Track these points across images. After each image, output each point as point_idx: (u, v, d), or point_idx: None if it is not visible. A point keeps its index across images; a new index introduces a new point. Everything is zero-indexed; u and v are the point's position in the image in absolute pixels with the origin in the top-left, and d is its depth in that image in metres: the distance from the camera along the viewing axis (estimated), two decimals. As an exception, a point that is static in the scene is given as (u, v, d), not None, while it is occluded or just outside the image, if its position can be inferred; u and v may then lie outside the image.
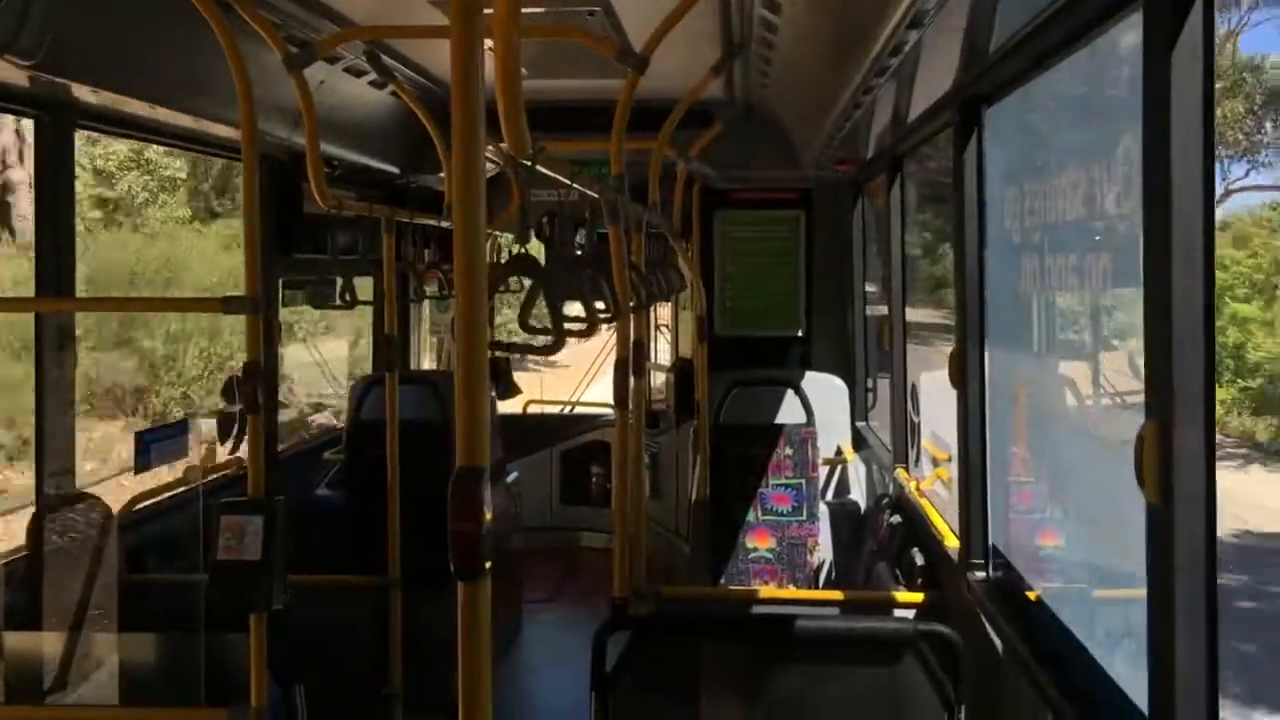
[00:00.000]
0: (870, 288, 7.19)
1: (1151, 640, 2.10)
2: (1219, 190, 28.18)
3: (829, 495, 6.89)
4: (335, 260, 5.05)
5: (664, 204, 5.40)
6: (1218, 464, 2.00)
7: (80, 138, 4.24)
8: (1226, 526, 16.45)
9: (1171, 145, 1.92)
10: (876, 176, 6.37)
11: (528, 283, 2.94)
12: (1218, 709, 1.96)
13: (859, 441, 7.05)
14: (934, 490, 5.08)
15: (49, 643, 3.83)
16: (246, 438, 3.45)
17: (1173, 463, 1.97)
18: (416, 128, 5.53)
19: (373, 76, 5.21)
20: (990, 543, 3.75)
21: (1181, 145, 1.92)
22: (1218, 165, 25.30)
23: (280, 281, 6.03)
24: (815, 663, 3.52)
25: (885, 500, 5.70)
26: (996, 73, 3.38)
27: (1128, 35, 2.38)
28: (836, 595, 5.02)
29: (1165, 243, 1.95)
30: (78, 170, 4.94)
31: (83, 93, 3.78)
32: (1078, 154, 2.92)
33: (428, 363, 9.29)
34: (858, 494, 6.78)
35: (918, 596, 4.32)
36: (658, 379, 9.64)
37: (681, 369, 8.02)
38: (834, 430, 6.95)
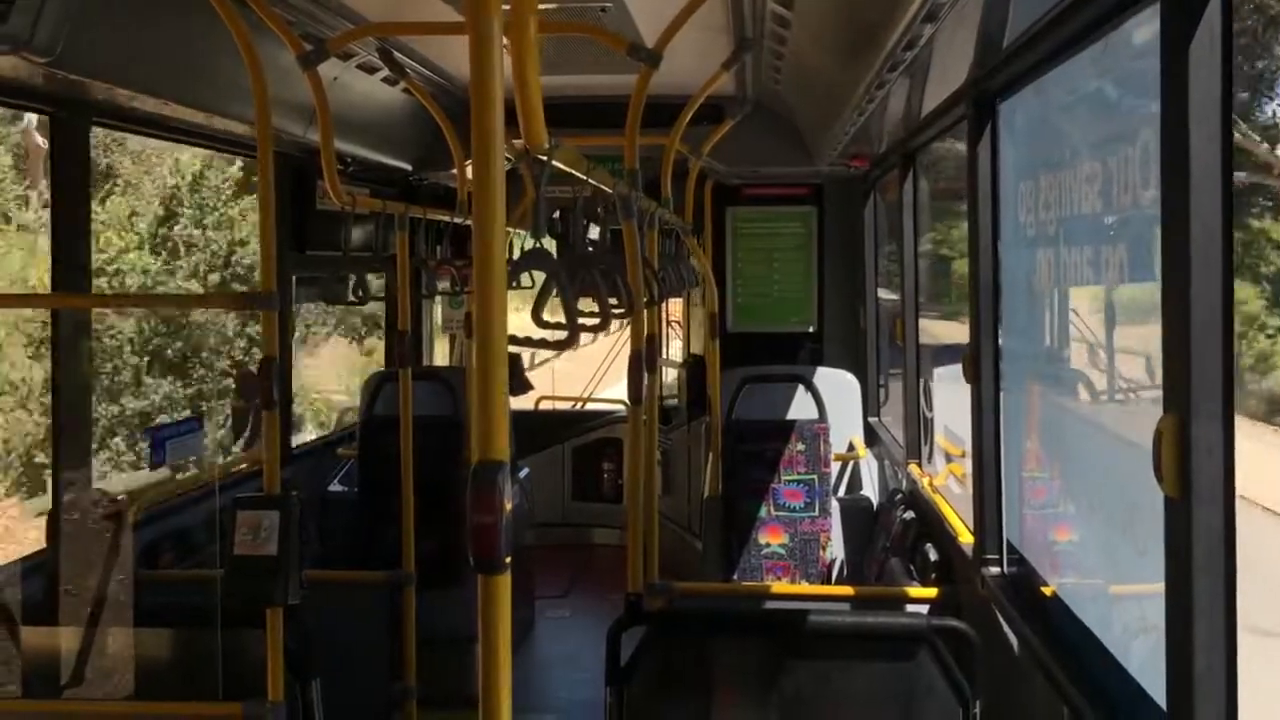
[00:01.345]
0: (886, 295, 7.17)
1: (1170, 635, 2.09)
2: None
3: (841, 491, 6.88)
4: (349, 257, 5.06)
5: (677, 200, 5.39)
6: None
7: None
8: None
9: (1190, 138, 1.92)
10: (890, 172, 6.36)
11: (540, 278, 2.94)
12: (1237, 705, 1.96)
13: (871, 437, 7.04)
14: (947, 486, 5.08)
15: (66, 638, 3.85)
16: (262, 433, 3.46)
17: (1191, 457, 1.96)
18: (429, 124, 5.54)
19: (386, 73, 5.22)
20: (1005, 538, 3.74)
21: (1200, 138, 1.91)
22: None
23: (294, 278, 6.05)
24: (829, 658, 3.52)
25: (898, 496, 5.69)
26: (1011, 67, 3.37)
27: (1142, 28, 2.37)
28: (850, 591, 5.02)
29: (1184, 236, 1.94)
30: None
31: (98, 90, 3.79)
32: (1093, 147, 2.91)
33: (440, 359, 9.31)
34: (870, 490, 6.78)
35: (931, 592, 4.31)
36: (670, 375, 9.65)
37: (693, 365, 8.03)
38: (846, 426, 6.95)
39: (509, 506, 1.64)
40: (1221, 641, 1.96)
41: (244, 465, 5.09)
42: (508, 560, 1.64)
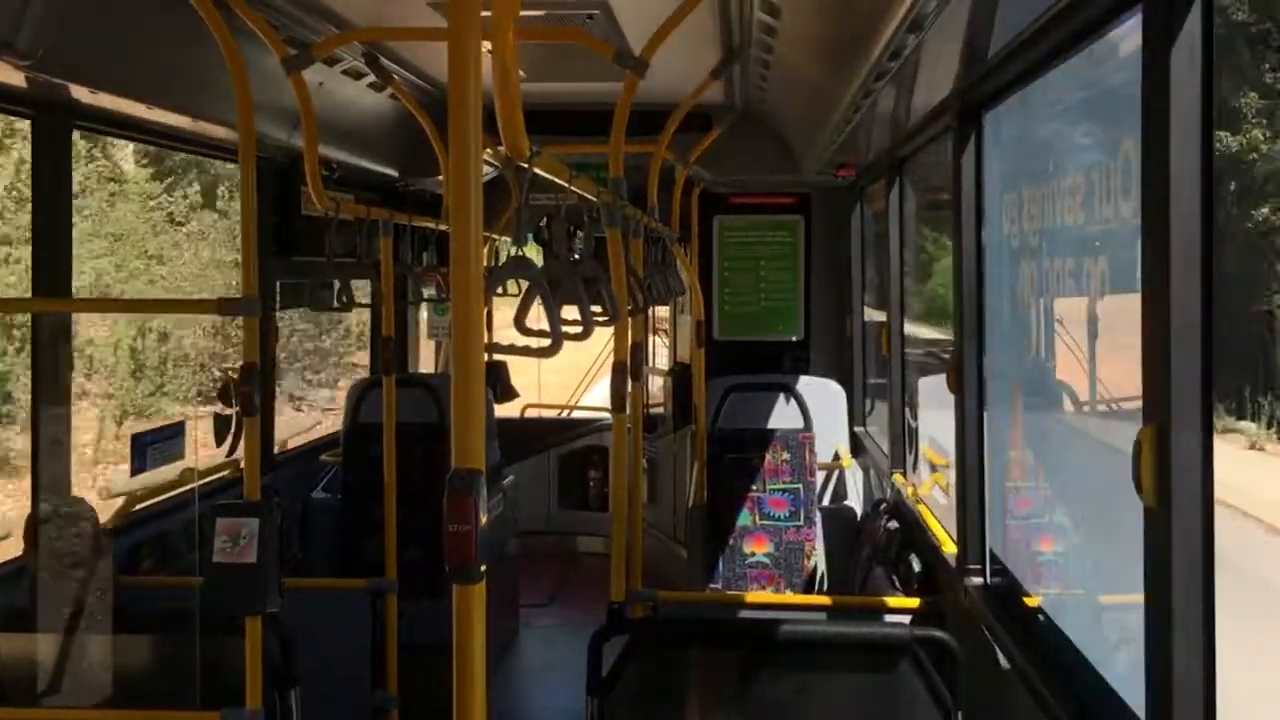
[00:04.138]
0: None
1: (1149, 645, 2.09)
2: None
3: (826, 500, 6.88)
4: (333, 263, 5.04)
5: (663, 208, 5.40)
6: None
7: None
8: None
9: (1170, 147, 1.92)
10: (876, 181, 6.37)
11: (525, 285, 2.93)
12: (1215, 713, 1.96)
13: (857, 446, 7.04)
14: (931, 496, 5.08)
15: (43, 645, 3.82)
16: (243, 440, 3.45)
17: (1170, 467, 1.96)
18: (415, 130, 5.53)
19: (371, 79, 5.21)
20: (988, 548, 3.74)
21: (1180, 147, 1.91)
22: None
23: (278, 284, 6.02)
24: (811, 668, 3.51)
25: (883, 505, 5.68)
26: (996, 77, 3.38)
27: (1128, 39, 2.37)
28: (833, 601, 5.01)
29: (1164, 245, 1.94)
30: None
31: (80, 93, 3.77)
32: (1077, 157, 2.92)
33: (425, 366, 9.28)
34: (855, 499, 6.77)
35: (914, 602, 4.31)
36: (655, 383, 9.63)
37: (679, 373, 8.02)
38: (832, 435, 6.95)
39: (485, 516, 1.62)
40: (1200, 651, 1.95)
41: (226, 472, 5.05)
42: (483, 569, 1.63)
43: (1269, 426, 22.54)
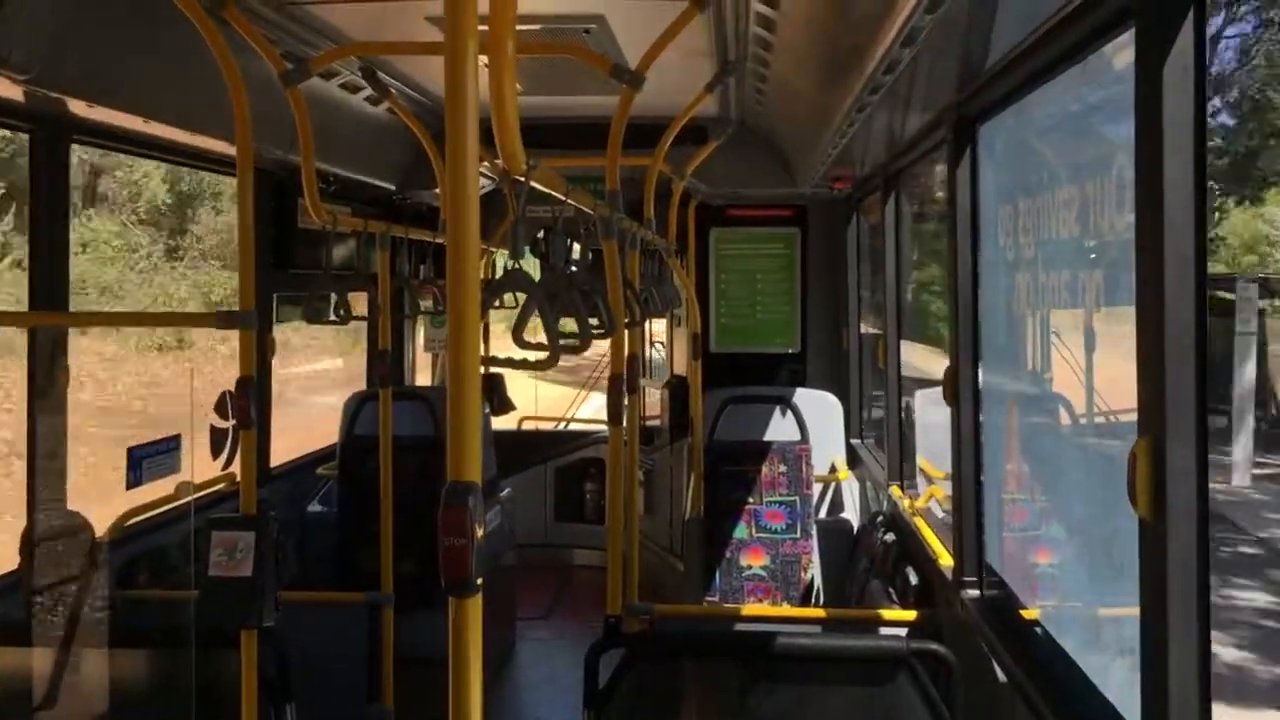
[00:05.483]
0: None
1: (1145, 657, 2.09)
2: None
3: (823, 512, 6.88)
4: (330, 275, 5.04)
5: (660, 220, 5.40)
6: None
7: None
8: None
9: (1164, 160, 1.93)
10: (872, 193, 6.39)
11: (522, 298, 2.94)
12: (1210, 726, 1.96)
13: (853, 458, 7.04)
14: (929, 508, 5.08)
15: (38, 659, 3.81)
16: (239, 453, 3.45)
17: (1165, 479, 1.97)
18: (412, 143, 5.54)
19: (369, 92, 5.22)
20: (984, 561, 3.74)
21: (1173, 160, 1.92)
22: None
23: (275, 296, 6.02)
24: (808, 681, 3.50)
25: (880, 518, 5.68)
26: (990, 90, 3.39)
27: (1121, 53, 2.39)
28: (830, 613, 5.00)
29: (1157, 258, 1.95)
30: None
31: (77, 107, 3.78)
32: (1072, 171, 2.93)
33: (423, 380, 9.28)
34: (851, 512, 6.77)
35: (911, 615, 4.31)
36: (652, 395, 9.64)
37: (676, 385, 8.02)
38: (828, 447, 6.95)
39: (481, 529, 1.62)
40: (1195, 662, 1.96)
41: (221, 485, 5.05)
42: (479, 582, 1.63)
43: None
